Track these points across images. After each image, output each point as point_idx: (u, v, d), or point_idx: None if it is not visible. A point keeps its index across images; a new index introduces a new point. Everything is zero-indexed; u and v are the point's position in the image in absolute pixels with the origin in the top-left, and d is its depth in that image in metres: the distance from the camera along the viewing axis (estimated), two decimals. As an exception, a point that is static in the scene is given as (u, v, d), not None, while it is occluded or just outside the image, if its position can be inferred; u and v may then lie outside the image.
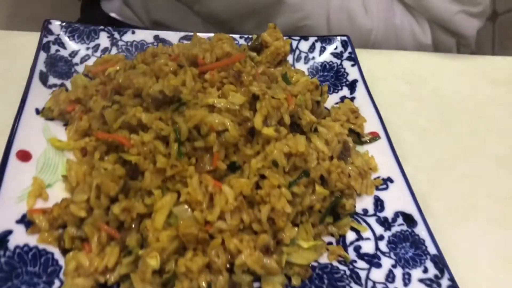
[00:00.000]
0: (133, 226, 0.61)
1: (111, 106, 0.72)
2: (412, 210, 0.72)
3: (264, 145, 0.68)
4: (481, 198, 0.86)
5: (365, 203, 0.75)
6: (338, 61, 0.98)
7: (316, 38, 1.01)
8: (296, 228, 0.65)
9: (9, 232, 0.61)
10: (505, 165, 0.93)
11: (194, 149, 0.65)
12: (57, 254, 0.62)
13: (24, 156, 0.70)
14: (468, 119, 1.02)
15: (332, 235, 0.71)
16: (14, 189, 0.65)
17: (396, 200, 0.74)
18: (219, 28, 1.11)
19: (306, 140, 0.72)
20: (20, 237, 0.61)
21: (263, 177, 0.65)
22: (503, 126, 1.02)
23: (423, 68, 1.15)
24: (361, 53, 1.12)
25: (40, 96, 0.79)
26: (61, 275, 0.59)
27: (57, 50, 0.87)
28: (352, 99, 0.91)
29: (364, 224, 0.73)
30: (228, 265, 0.60)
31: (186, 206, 0.61)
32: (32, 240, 0.62)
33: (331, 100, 0.92)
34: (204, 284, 0.58)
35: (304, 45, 1.00)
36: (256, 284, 0.62)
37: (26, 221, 0.63)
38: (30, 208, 0.64)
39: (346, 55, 0.99)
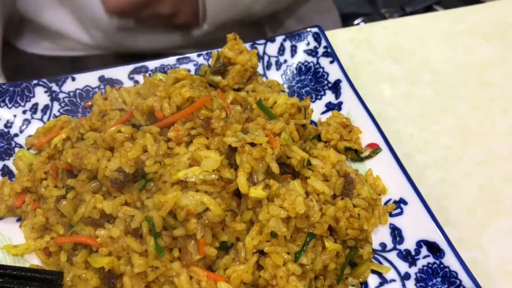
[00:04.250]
0: None
1: (65, 195, 0.60)
2: (436, 237, 0.62)
3: (256, 209, 0.57)
4: (502, 186, 0.77)
5: (381, 235, 0.66)
6: (314, 60, 0.85)
7: (283, 37, 0.88)
8: (312, 301, 0.56)
9: None
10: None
11: (174, 238, 0.54)
12: None
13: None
14: (467, 92, 0.91)
15: (353, 285, 0.62)
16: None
17: (415, 226, 0.65)
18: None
19: (302, 183, 0.62)
20: None
21: (262, 253, 0.55)
22: (506, 90, 0.92)
23: (407, 37, 1.03)
24: (337, 34, 1.00)
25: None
26: None
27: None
28: (339, 104, 0.80)
29: (385, 263, 0.63)
30: None
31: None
32: None
33: (316, 109, 0.80)
34: None
35: (272, 48, 0.87)
36: None
37: None
38: None
39: (321, 50, 0.86)
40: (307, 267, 0.56)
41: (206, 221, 0.53)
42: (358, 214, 0.62)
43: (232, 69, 0.78)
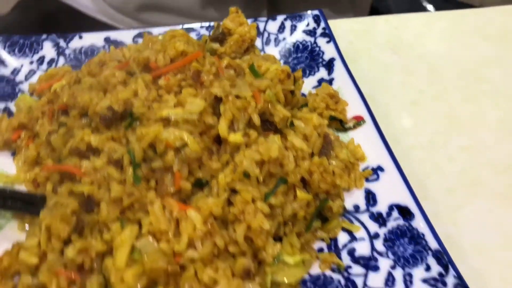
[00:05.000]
0: (95, 266, 0.54)
1: (58, 130, 0.64)
2: (407, 201, 0.64)
3: (233, 154, 0.60)
4: (483, 172, 0.79)
5: (355, 198, 0.68)
6: (312, 39, 0.89)
7: (285, 16, 0.92)
8: (279, 243, 0.58)
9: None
10: (505, 130, 0.85)
11: (152, 170, 0.57)
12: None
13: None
14: (462, 84, 0.93)
15: (323, 239, 0.64)
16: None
17: (389, 191, 0.67)
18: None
19: (282, 139, 0.64)
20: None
21: (234, 191, 0.57)
22: (501, 87, 0.94)
23: (408, 31, 1.06)
24: (339, 24, 1.03)
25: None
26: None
27: (-3, 68, 0.79)
28: (331, 81, 0.82)
29: (356, 222, 0.65)
30: (205, 298, 0.53)
31: (150, 238, 0.54)
32: (-18, 297, 0.55)
33: (309, 84, 0.83)
34: (180, 324, 0.51)
35: (273, 26, 0.91)
36: (241, 313, 0.55)
37: (-26, 276, 0.56)
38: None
39: (319, 31, 0.89)
40: (277, 210, 0.58)
41: (184, 156, 0.56)
42: (333, 171, 0.64)
43: (230, 38, 0.81)
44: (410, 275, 0.58)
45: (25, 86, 0.78)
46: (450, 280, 0.57)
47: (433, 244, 0.60)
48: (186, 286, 0.53)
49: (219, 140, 0.61)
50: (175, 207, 0.55)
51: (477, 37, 1.04)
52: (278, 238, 0.60)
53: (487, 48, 1.02)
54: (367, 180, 0.69)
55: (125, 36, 0.86)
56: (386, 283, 0.58)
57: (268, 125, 0.66)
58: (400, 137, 0.82)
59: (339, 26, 1.04)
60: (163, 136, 0.56)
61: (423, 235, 0.61)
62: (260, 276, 0.56)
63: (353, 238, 0.64)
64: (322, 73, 0.84)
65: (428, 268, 0.59)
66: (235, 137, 0.59)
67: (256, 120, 0.62)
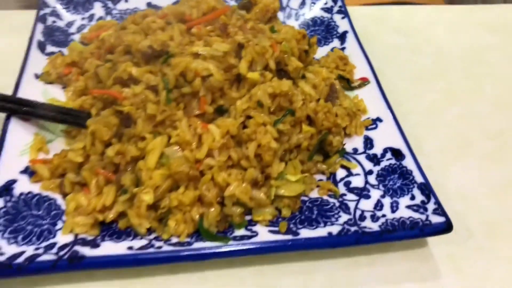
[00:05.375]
0: (128, 168, 0.65)
1: (104, 64, 0.76)
2: (400, 145, 0.74)
3: (250, 89, 0.70)
4: (475, 136, 0.87)
5: (355, 143, 0.77)
6: (329, 15, 1.00)
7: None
8: (284, 164, 0.67)
9: (14, 181, 0.65)
10: (500, 105, 0.93)
11: (182, 95, 0.68)
12: (60, 200, 0.66)
13: (25, 118, 0.74)
14: (464, 65, 1.02)
15: (323, 173, 0.73)
16: (17, 144, 0.70)
17: (385, 137, 0.76)
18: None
19: (294, 85, 0.75)
20: (24, 186, 0.66)
21: (249, 117, 0.68)
22: (501, 69, 1.02)
23: (418, 20, 1.16)
24: (357, 9, 1.13)
25: (38, 62, 0.83)
26: (63, 217, 0.63)
27: (54, 21, 0.91)
28: (343, 49, 0.93)
29: (354, 161, 0.75)
30: (219, 199, 0.63)
31: (176, 147, 0.65)
32: (35, 187, 0.66)
33: (322, 52, 0.93)
34: (196, 216, 0.62)
35: (295, 2, 1.02)
36: (248, 217, 0.65)
37: (29, 172, 0.67)
38: (33, 159, 0.68)
39: (336, 9, 1.00)
40: (284, 137, 0.68)
41: (209, 84, 0.67)
42: (336, 113, 0.74)
43: (256, 7, 0.92)
44: (397, 202, 0.67)
45: (76, 37, 0.91)
46: (431, 206, 0.65)
47: (419, 179, 0.69)
48: (203, 187, 0.63)
49: (239, 79, 0.72)
50: (198, 125, 0.66)
51: (483, 29, 1.13)
52: (283, 162, 0.70)
53: (491, 38, 1.10)
54: (366, 128, 0.78)
55: (165, 2, 0.98)
56: (375, 208, 0.67)
57: (282, 73, 0.77)
58: (402, 102, 0.91)
59: (356, 11, 1.15)
60: (193, 66, 0.67)
61: (411, 171, 0.70)
62: (266, 188, 0.65)
63: (350, 173, 0.73)
64: (335, 43, 0.95)
65: (412, 198, 0.67)
66: (253, 75, 0.70)
67: (272, 65, 0.73)
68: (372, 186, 0.70)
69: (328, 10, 1.00)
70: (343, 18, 0.98)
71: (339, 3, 1.00)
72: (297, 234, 0.62)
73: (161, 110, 0.67)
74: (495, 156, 0.84)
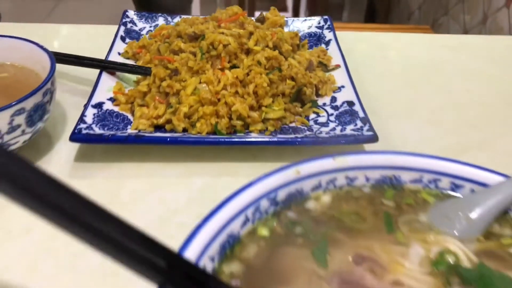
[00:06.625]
0: (174, 96, 1.04)
1: (163, 44, 1.18)
2: (353, 98, 1.10)
3: (254, 56, 1.10)
4: (420, 109, 1.22)
5: (324, 100, 1.14)
6: (320, 30, 1.40)
7: (304, 18, 1.45)
8: (271, 100, 1.05)
9: (103, 102, 1.06)
10: (443, 91, 1.28)
11: (210, 56, 1.09)
12: (130, 117, 1.06)
13: (111, 72, 1.16)
14: (425, 72, 1.39)
15: (300, 115, 1.10)
16: (105, 85, 1.11)
17: (345, 96, 1.13)
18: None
19: (284, 61, 1.14)
20: (108, 106, 1.06)
21: (251, 70, 1.07)
22: (452, 75, 1.38)
23: (394, 43, 1.55)
24: (343, 32, 1.54)
25: (120, 47, 1.27)
26: (129, 127, 1.03)
27: (131, 26, 1.37)
28: (326, 49, 1.32)
29: (322, 109, 1.11)
30: (228, 114, 1.01)
31: (204, 84, 1.04)
32: (116, 108, 1.06)
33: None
34: (214, 122, 0.99)
35: (297, 22, 1.44)
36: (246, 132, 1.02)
37: (112, 99, 1.08)
38: (115, 91, 1.09)
39: (326, 26, 1.41)
40: (273, 85, 1.07)
41: (227, 50, 1.07)
42: (310, 76, 1.12)
43: (267, 21, 1.35)
44: (345, 128, 1.03)
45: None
46: (366, 128, 1.00)
47: (361, 114, 1.04)
48: (219, 107, 1.01)
49: (248, 52, 1.12)
50: (219, 72, 1.05)
51: (439, 48, 1.51)
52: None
53: (446, 54, 1.47)
54: (334, 92, 1.15)
55: (205, 18, 1.42)
56: (330, 131, 1.03)
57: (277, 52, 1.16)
58: (364, 84, 1.28)
59: (343, 34, 1.56)
60: (218, 38, 1.08)
61: (357, 111, 1.06)
62: (259, 112, 1.03)
63: (318, 116, 1.10)
64: (322, 47, 1.34)
65: (355, 125, 1.03)
66: (257, 48, 1.10)
67: (271, 44, 1.13)
68: (331, 121, 1.06)
69: (320, 27, 1.41)
70: (329, 32, 1.38)
71: (328, 22, 1.41)
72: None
73: (197, 64, 1.07)
74: (433, 122, 1.18)
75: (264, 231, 0.60)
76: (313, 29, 1.42)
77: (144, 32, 1.37)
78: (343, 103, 1.11)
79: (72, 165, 0.98)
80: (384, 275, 0.56)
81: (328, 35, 1.38)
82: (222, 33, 1.11)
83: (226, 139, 0.96)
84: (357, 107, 1.07)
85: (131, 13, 1.41)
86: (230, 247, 0.57)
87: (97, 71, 1.14)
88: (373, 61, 1.43)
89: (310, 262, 0.57)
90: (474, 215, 0.61)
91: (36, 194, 0.29)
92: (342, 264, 0.57)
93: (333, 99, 1.14)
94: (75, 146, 1.01)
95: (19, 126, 0.87)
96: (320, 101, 1.14)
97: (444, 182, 0.67)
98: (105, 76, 1.14)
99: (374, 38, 1.56)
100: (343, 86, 1.16)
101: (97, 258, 0.56)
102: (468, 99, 1.26)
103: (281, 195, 0.63)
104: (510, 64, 1.43)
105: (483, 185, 0.64)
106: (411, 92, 1.28)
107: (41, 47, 1.01)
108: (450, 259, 0.57)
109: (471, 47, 1.52)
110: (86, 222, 0.35)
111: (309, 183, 0.65)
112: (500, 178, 0.63)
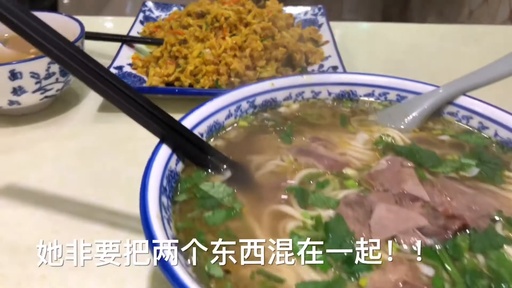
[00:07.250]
0: (182, 58, 1.23)
1: (175, 22, 1.38)
2: (338, 64, 1.27)
3: (251, 27, 1.29)
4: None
5: (313, 67, 1.31)
6: (314, 16, 1.59)
7: (301, 6, 1.64)
8: (265, 62, 1.23)
9: (123, 66, 1.25)
10: (414, 57, 1.44)
11: (214, 27, 1.27)
12: (145, 78, 1.24)
13: (131, 45, 1.35)
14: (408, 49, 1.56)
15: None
16: (126, 54, 1.30)
17: (331, 63, 1.30)
18: None
19: (279, 33, 1.32)
20: (127, 69, 1.25)
21: (248, 38, 1.25)
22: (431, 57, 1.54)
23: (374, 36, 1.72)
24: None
25: (140, 28, 1.47)
26: (144, 84, 1.21)
27: (149, 14, 1.57)
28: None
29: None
30: (227, 73, 1.18)
31: (208, 49, 1.22)
32: (134, 71, 1.25)
33: (307, 34, 1.51)
34: (215, 79, 1.17)
35: (294, 9, 1.63)
36: (243, 86, 1.19)
37: (130, 64, 1.27)
38: (133, 58, 1.28)
39: (320, 13, 1.59)
40: (267, 51, 1.24)
41: (229, 21, 1.26)
42: (301, 46, 1.29)
43: (267, 7, 1.54)
44: (329, 85, 1.19)
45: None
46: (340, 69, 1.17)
47: (341, 70, 1.21)
48: (220, 69, 1.19)
49: (246, 25, 1.31)
50: (221, 40, 1.24)
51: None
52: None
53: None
54: (322, 61, 1.32)
55: (214, 7, 1.62)
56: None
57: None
58: (351, 60, 1.44)
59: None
60: (220, 11, 1.27)
61: (337, 68, 1.22)
62: (254, 71, 1.20)
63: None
64: (313, 27, 1.52)
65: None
66: (254, 20, 1.28)
67: (266, 20, 1.31)
68: (318, 81, 1.23)
69: (315, 14, 1.60)
70: (322, 16, 1.56)
71: (322, 10, 1.59)
72: (268, 90, 1.15)
73: (203, 33, 1.26)
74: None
75: (243, 123, 0.77)
76: (309, 16, 1.61)
77: (160, 19, 1.58)
78: (329, 68, 1.28)
79: (96, 114, 1.16)
80: (333, 149, 0.71)
81: (321, 20, 1.56)
82: (225, 9, 1.30)
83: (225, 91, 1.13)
84: (340, 70, 1.24)
85: (150, 4, 1.62)
86: (216, 130, 0.74)
87: (118, 44, 1.34)
88: (359, 41, 1.60)
89: (278, 142, 0.73)
90: (411, 113, 0.77)
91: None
92: (302, 142, 0.73)
93: (321, 66, 1.31)
94: (98, 100, 1.20)
95: (54, 73, 1.06)
96: (309, 68, 1.31)
97: (392, 95, 0.82)
98: (125, 48, 1.33)
99: (368, 28, 1.74)
100: (330, 56, 1.33)
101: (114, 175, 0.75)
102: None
103: (258, 100, 0.80)
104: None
105: (420, 94, 0.80)
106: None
107: (73, 17, 1.21)
108: (388, 140, 0.73)
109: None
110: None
111: (282, 94, 0.82)
112: (432, 88, 0.79)
